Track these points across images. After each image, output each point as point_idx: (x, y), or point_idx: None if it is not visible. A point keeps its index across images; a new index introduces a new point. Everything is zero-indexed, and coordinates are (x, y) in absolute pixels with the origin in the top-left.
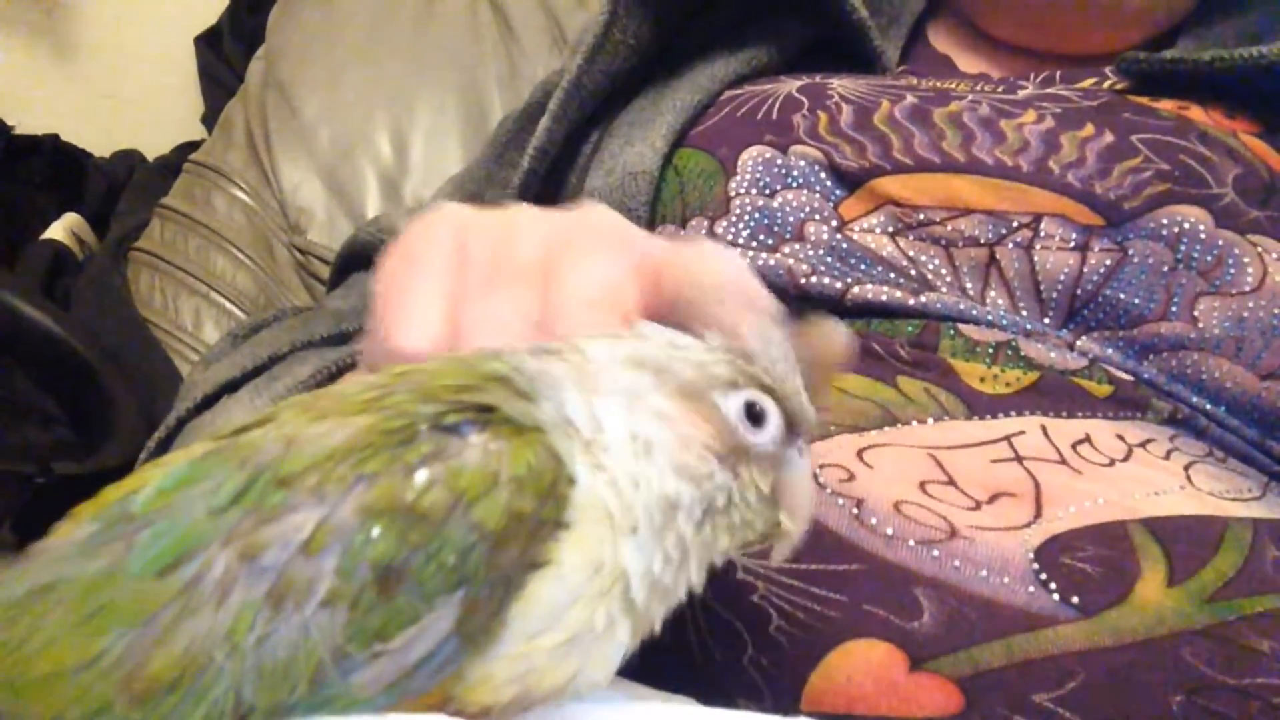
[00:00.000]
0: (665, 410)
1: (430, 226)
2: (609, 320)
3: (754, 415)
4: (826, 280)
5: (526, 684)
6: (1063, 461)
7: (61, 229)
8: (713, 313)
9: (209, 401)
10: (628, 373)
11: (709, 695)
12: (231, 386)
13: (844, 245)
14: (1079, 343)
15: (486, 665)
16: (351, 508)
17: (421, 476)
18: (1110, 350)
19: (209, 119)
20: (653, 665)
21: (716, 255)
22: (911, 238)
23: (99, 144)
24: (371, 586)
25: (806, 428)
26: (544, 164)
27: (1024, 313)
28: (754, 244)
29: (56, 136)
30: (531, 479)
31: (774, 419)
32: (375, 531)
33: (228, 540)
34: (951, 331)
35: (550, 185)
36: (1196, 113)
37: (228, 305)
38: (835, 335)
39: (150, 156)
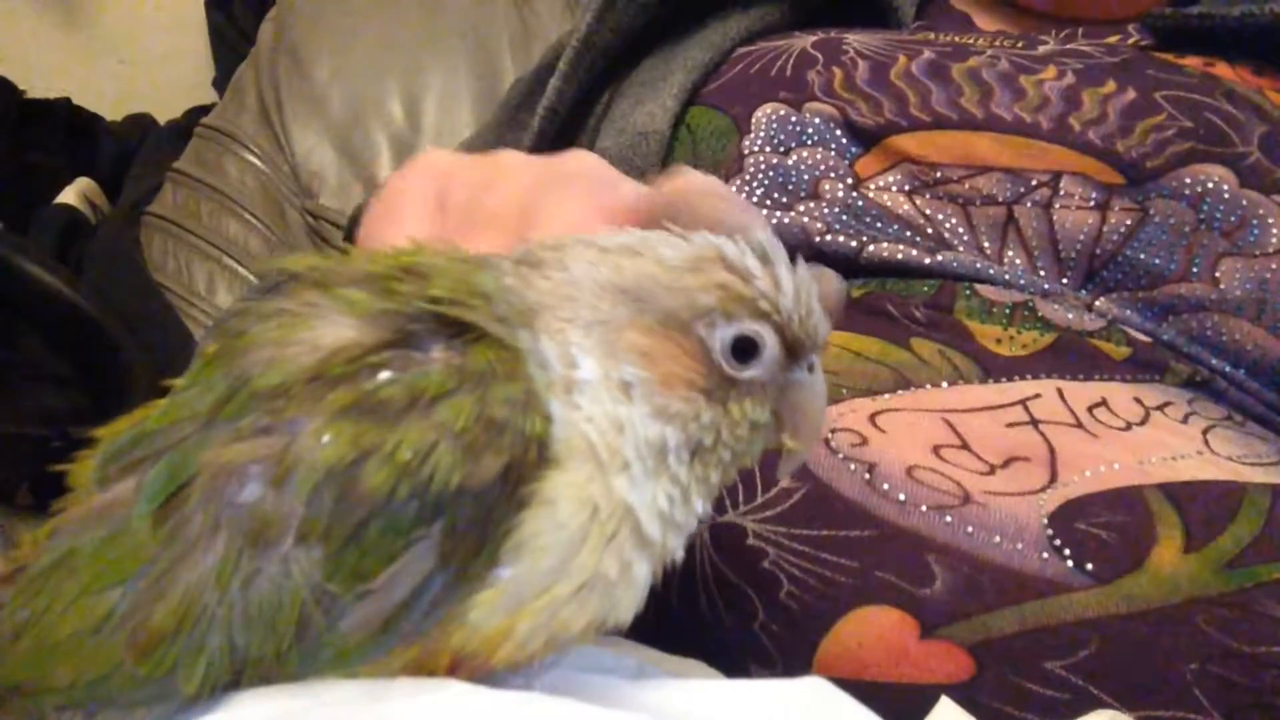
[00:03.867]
0: (644, 346)
1: (409, 176)
2: None
3: (743, 349)
4: (841, 239)
5: (552, 631)
6: (1079, 425)
7: (74, 193)
8: (708, 209)
9: None
10: (606, 302)
11: (720, 659)
12: None
13: (860, 203)
14: (1097, 303)
15: (505, 619)
16: (311, 423)
17: (382, 376)
18: (1129, 311)
19: (220, 82)
20: (664, 629)
21: (700, 176)
22: (928, 196)
23: (111, 108)
24: (337, 511)
25: (812, 347)
26: (554, 125)
27: (1042, 273)
28: (768, 202)
29: (68, 100)
30: (500, 385)
31: (769, 349)
32: (326, 438)
33: (204, 464)
34: (968, 292)
35: (561, 147)
36: (1223, 69)
37: (240, 270)
38: (828, 284)
39: (161, 120)
